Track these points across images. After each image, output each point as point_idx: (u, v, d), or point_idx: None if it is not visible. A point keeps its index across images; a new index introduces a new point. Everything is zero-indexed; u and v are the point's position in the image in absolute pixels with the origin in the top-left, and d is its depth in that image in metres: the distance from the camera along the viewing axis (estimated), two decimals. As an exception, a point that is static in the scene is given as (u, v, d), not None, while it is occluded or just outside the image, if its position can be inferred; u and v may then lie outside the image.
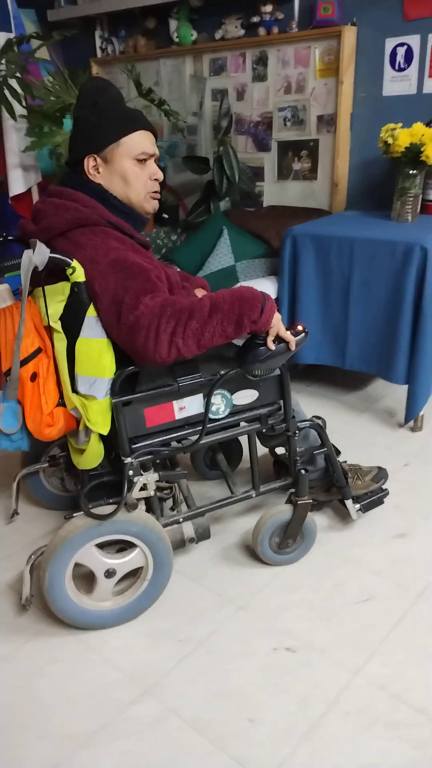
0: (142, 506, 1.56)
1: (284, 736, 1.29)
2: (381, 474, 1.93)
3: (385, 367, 2.45)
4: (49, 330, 1.41)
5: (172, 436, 1.55)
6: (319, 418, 1.82)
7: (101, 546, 1.52)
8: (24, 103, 2.89)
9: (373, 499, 1.89)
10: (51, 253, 1.33)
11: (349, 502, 1.84)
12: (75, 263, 1.35)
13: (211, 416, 1.54)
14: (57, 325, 1.39)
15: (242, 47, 3.23)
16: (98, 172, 1.51)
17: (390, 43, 2.82)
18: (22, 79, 2.79)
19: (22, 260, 1.32)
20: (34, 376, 1.40)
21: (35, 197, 3.25)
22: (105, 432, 1.44)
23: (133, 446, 1.51)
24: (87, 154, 1.50)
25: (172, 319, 1.32)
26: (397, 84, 2.87)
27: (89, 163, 1.50)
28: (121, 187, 1.52)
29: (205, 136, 3.55)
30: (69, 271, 1.35)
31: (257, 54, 3.19)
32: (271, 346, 1.46)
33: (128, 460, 1.49)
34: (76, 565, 1.49)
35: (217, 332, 1.36)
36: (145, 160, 1.53)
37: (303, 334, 1.51)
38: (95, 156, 1.50)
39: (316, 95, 3.07)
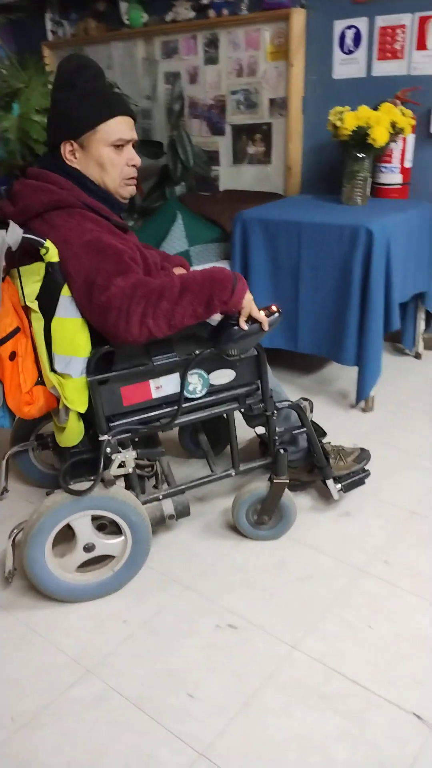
0: (121, 483, 1.60)
1: (221, 710, 1.33)
2: (363, 455, 1.94)
3: (335, 349, 2.49)
4: (27, 310, 1.43)
5: (150, 415, 1.57)
6: (306, 399, 1.83)
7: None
8: (-30, 88, 2.84)
9: (354, 479, 1.91)
10: (25, 233, 1.36)
11: (330, 482, 1.86)
12: (48, 244, 1.38)
13: (188, 395, 1.57)
14: (33, 305, 1.42)
15: (193, 29, 3.21)
16: (75, 157, 1.51)
17: (339, 26, 2.83)
18: (-33, 63, 2.74)
19: None
20: (12, 355, 1.44)
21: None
22: (82, 410, 1.48)
23: (111, 424, 1.53)
24: (64, 140, 1.50)
25: (142, 300, 1.36)
26: (346, 67, 2.88)
27: (66, 148, 1.50)
28: (98, 173, 1.52)
29: (159, 120, 3.53)
30: (43, 251, 1.38)
31: (208, 36, 3.18)
32: (244, 326, 1.48)
33: (105, 437, 1.52)
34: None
35: (187, 312, 1.39)
36: (122, 146, 1.52)
37: (276, 314, 1.53)
38: (72, 141, 1.50)
39: (267, 78, 3.07)
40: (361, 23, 2.77)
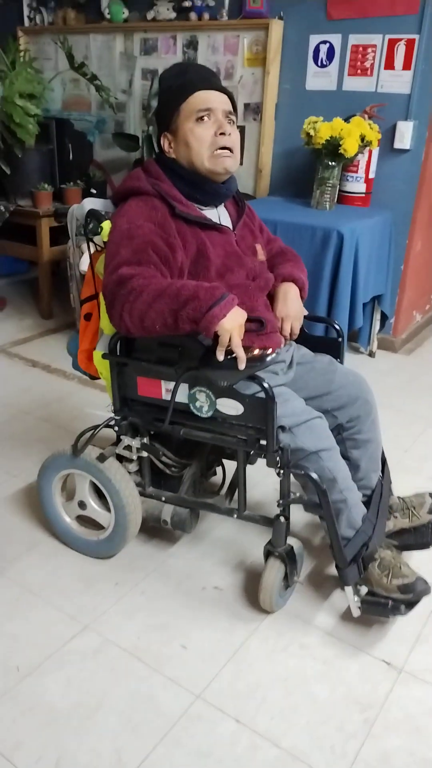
0: (127, 466, 1.66)
1: (213, 658, 1.45)
2: (415, 586, 1.45)
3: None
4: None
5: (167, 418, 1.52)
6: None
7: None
8: None
9: (382, 604, 1.47)
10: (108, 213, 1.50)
11: (348, 590, 1.49)
12: (105, 224, 1.49)
13: (195, 411, 1.47)
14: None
15: (173, 30, 3.31)
16: (171, 148, 1.50)
17: (314, 40, 3.01)
18: None
19: (68, 213, 1.51)
20: (88, 316, 1.62)
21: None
22: (105, 381, 1.62)
23: (124, 406, 1.61)
24: (161, 135, 1.52)
25: (127, 294, 1.34)
26: (319, 79, 3.07)
27: (164, 142, 1.51)
28: (186, 154, 1.47)
29: (134, 114, 3.62)
30: (100, 230, 1.49)
31: (188, 38, 3.29)
32: (218, 355, 1.33)
33: (112, 415, 1.62)
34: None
35: (158, 319, 1.33)
36: (203, 117, 1.45)
37: (262, 357, 1.36)
38: (166, 134, 1.50)
39: (243, 83, 3.22)
40: (335, 39, 2.96)
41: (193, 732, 1.29)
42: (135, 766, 1.22)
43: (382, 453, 1.77)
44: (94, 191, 3.60)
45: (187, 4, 3.22)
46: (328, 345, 1.78)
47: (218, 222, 1.54)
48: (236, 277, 1.51)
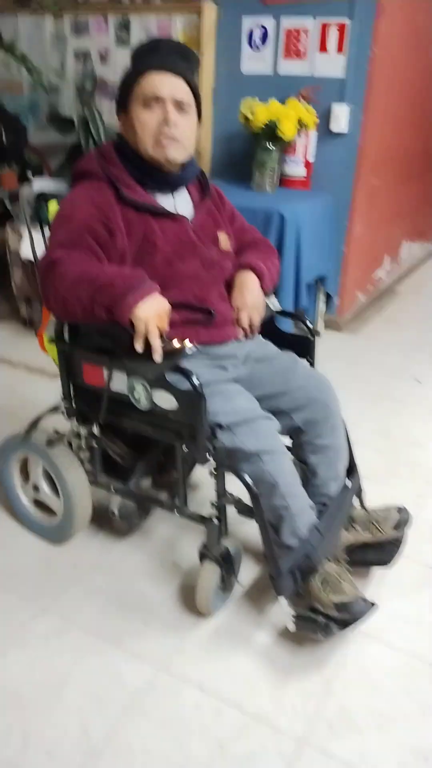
0: (80, 453, 1.64)
1: (175, 631, 1.48)
2: (353, 606, 1.38)
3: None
4: None
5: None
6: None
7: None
8: None
9: (315, 621, 1.39)
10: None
11: (283, 602, 1.41)
12: (51, 205, 1.46)
13: (134, 403, 1.43)
14: None
15: (105, 11, 3.26)
16: (125, 129, 1.46)
17: (247, 23, 3.02)
18: None
19: (20, 193, 1.46)
20: None
21: None
22: (55, 361, 1.59)
23: (72, 392, 1.59)
24: (118, 114, 1.48)
25: (53, 277, 1.33)
26: (254, 63, 3.08)
27: (120, 122, 1.47)
28: (133, 139, 1.43)
29: (68, 97, 3.55)
30: (47, 212, 1.47)
31: (120, 19, 3.25)
32: (136, 345, 1.29)
33: (60, 400, 1.61)
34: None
35: (78, 305, 1.31)
36: (152, 103, 1.40)
37: (179, 350, 1.31)
38: (121, 114, 1.47)
39: (180, 66, 3.20)
40: (268, 23, 2.98)
41: (157, 702, 1.31)
42: (101, 738, 1.23)
43: (352, 461, 1.67)
44: (30, 175, 3.51)
45: (119, -16, 3.18)
46: (300, 343, 1.70)
47: (172, 209, 1.49)
48: (187, 265, 1.47)
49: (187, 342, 1.32)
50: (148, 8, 3.14)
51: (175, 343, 1.31)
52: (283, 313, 1.72)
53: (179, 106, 1.41)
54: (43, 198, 1.54)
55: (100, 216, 1.40)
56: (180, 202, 1.53)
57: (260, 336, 1.64)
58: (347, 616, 1.36)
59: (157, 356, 1.29)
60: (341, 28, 2.82)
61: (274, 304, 1.68)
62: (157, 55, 1.43)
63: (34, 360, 2.72)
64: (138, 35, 3.23)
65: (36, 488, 1.71)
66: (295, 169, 3.01)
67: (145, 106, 1.40)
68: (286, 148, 2.93)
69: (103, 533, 1.78)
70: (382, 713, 1.32)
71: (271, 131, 2.73)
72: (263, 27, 3.00)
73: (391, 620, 1.53)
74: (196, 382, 1.30)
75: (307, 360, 1.70)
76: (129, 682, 1.35)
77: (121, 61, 3.31)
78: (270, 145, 2.79)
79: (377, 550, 1.59)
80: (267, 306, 1.65)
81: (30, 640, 1.44)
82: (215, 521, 1.45)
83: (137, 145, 1.43)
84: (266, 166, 2.84)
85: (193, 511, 1.53)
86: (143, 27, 3.21)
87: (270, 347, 1.65)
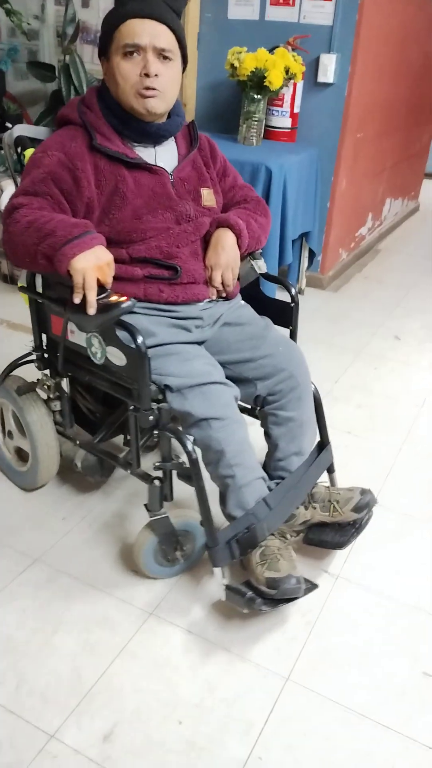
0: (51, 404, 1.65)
1: (164, 580, 1.52)
2: (282, 583, 1.32)
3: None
4: None
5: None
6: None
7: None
8: None
9: (242, 593, 1.35)
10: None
11: (216, 572, 1.39)
12: (28, 152, 1.44)
13: (91, 357, 1.41)
14: None
15: None
16: (106, 76, 1.43)
17: (235, -35, 2.92)
18: None
19: (2, 140, 1.50)
20: None
21: None
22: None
23: (44, 344, 1.61)
24: (100, 61, 1.43)
25: (9, 223, 1.32)
26: (241, 8, 2.99)
27: (102, 68, 1.43)
28: (114, 88, 1.40)
29: (49, 42, 3.41)
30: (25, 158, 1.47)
31: (103, -41, 3.11)
32: (74, 297, 1.25)
33: (31, 350, 1.64)
34: None
35: (25, 253, 1.29)
36: (132, 52, 1.35)
37: (116, 305, 1.25)
38: (103, 59, 1.42)
39: (163, 10, 3.09)
40: (257, -34, 2.88)
41: (147, 645, 1.37)
42: (94, 681, 1.29)
43: (324, 436, 1.64)
44: (9, 125, 3.41)
45: None
46: (281, 309, 1.64)
47: (152, 161, 1.44)
48: (158, 219, 1.43)
49: (124, 298, 1.27)
50: None
51: (113, 298, 1.26)
52: (267, 276, 1.66)
53: (161, 54, 1.36)
54: (21, 144, 1.51)
55: (68, 163, 1.36)
56: (162, 154, 1.48)
57: (239, 299, 1.60)
58: (275, 593, 1.32)
59: (91, 309, 1.25)
60: (331, -27, 2.73)
61: (260, 266, 1.63)
62: (136, 1, 1.35)
63: (17, 316, 2.71)
64: (120, -24, 3.09)
65: (9, 435, 1.75)
66: (281, 120, 2.95)
67: (125, 56, 1.35)
68: (272, 99, 2.87)
69: (92, 486, 1.81)
70: (362, 652, 1.38)
71: (258, 80, 2.67)
72: (250, -30, 2.89)
73: (370, 568, 1.60)
74: (139, 340, 1.27)
75: (288, 327, 1.66)
76: (120, 627, 1.40)
77: (103, 4, 3.18)
78: (257, 95, 2.73)
79: (335, 531, 1.54)
80: (252, 268, 1.61)
81: (21, 590, 1.47)
82: (157, 483, 1.42)
83: (118, 95, 1.39)
84: (252, 118, 2.79)
85: (143, 471, 1.49)
86: (125, -33, 3.07)
87: (245, 311, 1.59)
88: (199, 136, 1.55)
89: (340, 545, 1.53)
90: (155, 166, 1.44)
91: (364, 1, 2.75)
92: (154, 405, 1.38)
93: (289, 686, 1.30)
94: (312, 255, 3.21)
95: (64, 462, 1.70)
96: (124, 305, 1.25)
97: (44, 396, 1.66)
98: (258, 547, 1.39)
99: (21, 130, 1.53)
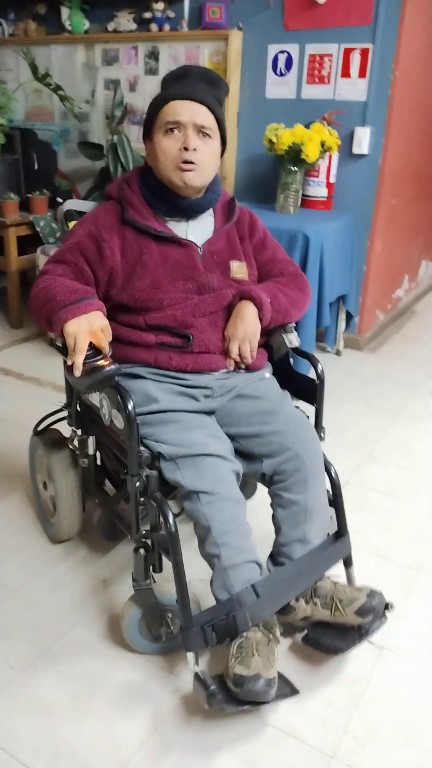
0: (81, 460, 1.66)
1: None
2: (248, 683, 1.19)
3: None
4: None
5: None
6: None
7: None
8: None
9: (206, 687, 1.21)
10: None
11: (189, 657, 1.26)
12: (70, 224, 1.55)
13: (102, 417, 1.44)
14: None
15: (134, 41, 3.37)
16: (148, 155, 1.50)
17: (272, 50, 3.11)
18: None
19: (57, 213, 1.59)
20: None
21: None
22: None
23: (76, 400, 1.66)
24: (144, 142, 1.52)
25: (34, 286, 1.44)
26: (278, 88, 3.16)
27: (146, 149, 1.51)
28: (155, 164, 1.47)
29: (98, 124, 3.66)
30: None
31: (149, 48, 3.36)
32: (68, 358, 1.29)
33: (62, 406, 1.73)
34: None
35: (38, 313, 1.39)
36: (173, 129, 1.42)
37: (98, 369, 1.26)
38: (146, 140, 1.50)
39: (205, 92, 3.29)
40: (293, 49, 3.06)
41: (187, 715, 1.33)
42: (134, 750, 1.26)
43: (342, 524, 1.49)
44: (59, 200, 3.62)
45: (147, 15, 3.29)
46: (307, 384, 1.58)
47: (183, 234, 1.50)
48: (178, 289, 1.46)
49: (107, 362, 1.28)
50: (176, 37, 3.24)
51: (100, 362, 1.28)
52: (297, 350, 1.61)
53: (201, 130, 1.43)
54: (70, 217, 1.62)
55: (96, 235, 1.46)
56: (195, 228, 1.53)
57: (264, 372, 1.57)
58: (238, 692, 1.19)
59: (76, 371, 1.27)
60: (364, 53, 2.89)
61: (291, 339, 1.58)
62: (183, 82, 1.46)
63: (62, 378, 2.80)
64: (166, 63, 3.33)
65: (45, 485, 1.80)
66: (318, 190, 3.06)
67: (166, 133, 1.43)
68: (309, 170, 2.99)
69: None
70: (408, 725, 1.32)
71: (295, 154, 2.79)
72: (287, 53, 3.08)
73: (418, 637, 1.54)
74: (129, 404, 1.28)
75: (313, 404, 1.59)
76: (160, 696, 1.37)
77: (149, 89, 3.42)
78: (293, 168, 2.85)
79: (336, 634, 1.39)
80: (283, 342, 1.59)
81: (61, 653, 1.47)
82: (142, 552, 1.34)
83: (158, 170, 1.46)
84: (290, 188, 2.90)
85: (140, 538, 1.38)
86: (171, 55, 3.31)
87: (264, 384, 1.53)
88: (241, 210, 1.61)
89: (335, 651, 1.38)
90: (184, 239, 1.49)
91: (397, 77, 2.88)
92: (148, 471, 1.35)
93: (333, 763, 1.25)
94: (349, 317, 3.25)
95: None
96: (105, 370, 1.26)
97: (72, 451, 1.69)
98: (239, 637, 1.26)
99: (70, 204, 1.65)
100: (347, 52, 2.93)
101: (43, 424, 1.82)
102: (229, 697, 1.21)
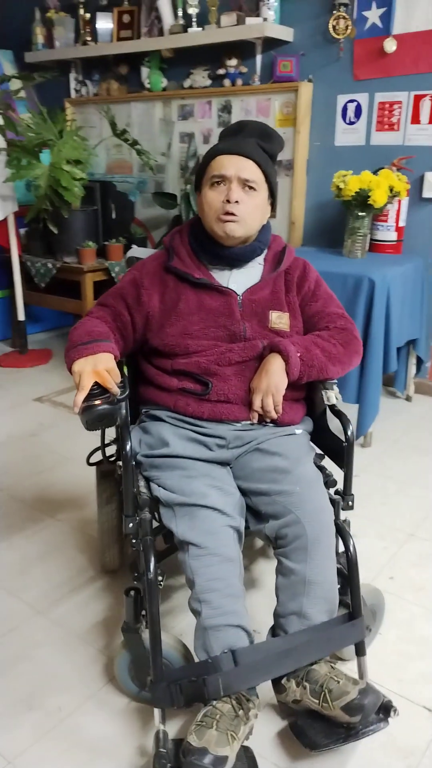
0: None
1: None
2: (192, 756, 1.10)
3: (338, 387, 2.69)
4: None
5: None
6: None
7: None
8: (5, 138, 3.09)
9: (158, 752, 1.16)
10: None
11: (156, 712, 1.22)
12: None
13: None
14: None
15: (209, 96, 3.52)
16: (198, 207, 1.55)
17: (342, 99, 3.16)
18: (6, 116, 2.99)
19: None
20: None
21: (11, 225, 3.42)
22: None
23: None
24: (196, 194, 1.57)
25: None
26: (347, 135, 3.20)
27: (197, 201, 1.56)
28: (202, 215, 1.51)
29: (173, 175, 3.82)
30: None
31: (222, 102, 3.49)
32: (77, 397, 1.27)
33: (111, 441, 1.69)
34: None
35: (68, 357, 1.40)
36: (218, 182, 1.46)
37: (92, 408, 1.23)
38: (198, 193, 1.54)
39: (275, 142, 3.37)
40: (362, 98, 3.10)
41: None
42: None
43: (356, 605, 1.34)
44: (133, 246, 3.78)
45: (221, 71, 3.44)
46: (337, 445, 1.49)
47: (224, 282, 1.52)
48: (208, 336, 1.48)
49: (98, 402, 1.25)
50: (248, 91, 3.36)
51: (96, 401, 1.26)
52: (332, 409, 1.53)
53: (245, 184, 1.45)
54: (131, 263, 1.71)
55: (138, 281, 1.54)
56: (238, 276, 1.54)
57: (295, 427, 1.51)
58: (183, 761, 1.11)
59: (75, 408, 1.26)
60: (434, 100, 2.88)
61: (329, 396, 1.53)
62: (235, 137, 1.51)
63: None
64: (239, 116, 3.45)
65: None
66: (386, 234, 3.04)
67: (212, 186, 1.47)
68: (377, 215, 2.98)
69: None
70: None
71: (362, 199, 2.80)
72: (357, 102, 3.12)
73: None
74: (126, 446, 1.29)
75: (341, 467, 1.50)
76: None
77: (220, 139, 3.54)
78: (361, 213, 2.85)
79: (323, 728, 1.24)
80: (321, 398, 1.55)
81: (108, 697, 1.47)
82: (132, 594, 1.30)
83: (204, 221, 1.50)
84: (357, 233, 2.89)
85: (134, 579, 1.37)
86: (243, 108, 3.43)
87: (288, 441, 1.47)
88: (295, 260, 1.61)
89: (312, 746, 1.23)
90: (224, 287, 1.51)
91: (468, 122, 2.85)
92: (144, 514, 1.34)
93: None
94: (420, 362, 3.16)
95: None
96: (97, 409, 1.24)
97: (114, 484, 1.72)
98: (207, 704, 1.17)
99: (133, 251, 1.73)
100: (417, 99, 2.94)
101: (93, 457, 1.79)
102: (177, 765, 1.14)
